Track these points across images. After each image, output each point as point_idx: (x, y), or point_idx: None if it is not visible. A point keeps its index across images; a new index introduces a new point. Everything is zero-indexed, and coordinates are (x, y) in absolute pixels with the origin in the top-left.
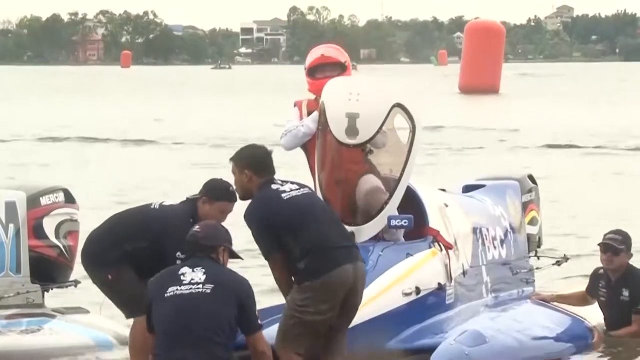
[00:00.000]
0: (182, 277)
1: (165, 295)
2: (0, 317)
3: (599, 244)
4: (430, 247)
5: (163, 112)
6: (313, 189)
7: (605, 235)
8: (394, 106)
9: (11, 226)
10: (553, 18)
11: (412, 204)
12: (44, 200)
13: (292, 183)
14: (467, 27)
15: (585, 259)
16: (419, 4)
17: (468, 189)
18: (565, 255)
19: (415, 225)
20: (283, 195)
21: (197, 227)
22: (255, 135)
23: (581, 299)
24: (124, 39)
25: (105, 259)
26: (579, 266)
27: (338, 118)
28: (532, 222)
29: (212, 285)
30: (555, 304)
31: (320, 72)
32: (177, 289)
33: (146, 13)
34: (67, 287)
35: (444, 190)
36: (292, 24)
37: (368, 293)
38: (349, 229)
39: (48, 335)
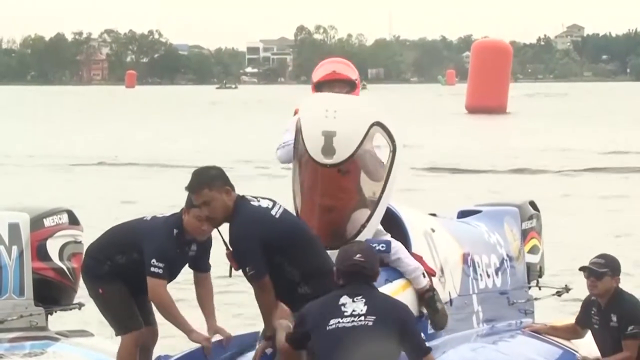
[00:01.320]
0: (342, 308)
1: (327, 327)
2: (3, 340)
3: (580, 268)
4: None
5: (166, 133)
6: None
7: (590, 260)
8: (373, 124)
9: (14, 248)
10: (563, 37)
11: (394, 227)
12: (48, 222)
13: (263, 198)
14: (474, 46)
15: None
16: (427, 23)
17: (463, 214)
18: (566, 285)
19: None
20: (273, 212)
21: (358, 254)
22: (256, 156)
23: (570, 331)
24: (128, 58)
25: (99, 272)
26: (583, 296)
27: (314, 136)
28: (533, 250)
29: (374, 317)
30: (548, 335)
31: (328, 88)
32: (339, 322)
33: (151, 32)
34: (70, 309)
35: (434, 214)
36: (298, 43)
37: None
38: None
39: (51, 359)
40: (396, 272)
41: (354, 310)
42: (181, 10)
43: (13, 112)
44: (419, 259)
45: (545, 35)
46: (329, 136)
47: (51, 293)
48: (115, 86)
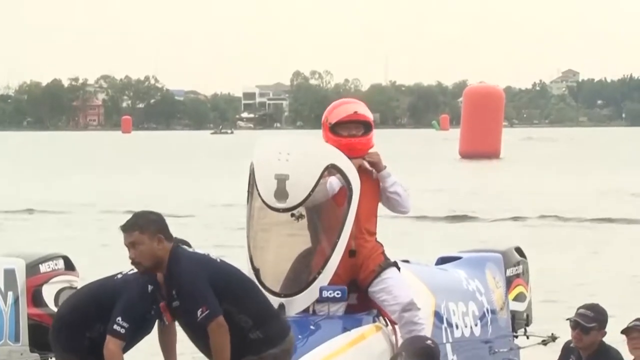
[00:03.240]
0: None
1: None
2: None
3: (567, 319)
4: (373, 321)
5: (158, 181)
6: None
7: (577, 310)
8: (327, 167)
9: (10, 294)
10: (558, 82)
11: None
12: (43, 268)
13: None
14: (466, 92)
15: None
16: (423, 69)
17: (443, 260)
18: (552, 334)
19: (359, 296)
20: (212, 257)
21: (429, 340)
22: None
23: None
24: (124, 104)
25: (78, 347)
26: None
27: (266, 179)
28: (519, 297)
29: None
30: None
31: (345, 129)
32: None
33: (147, 77)
34: None
35: (406, 261)
36: (294, 88)
37: None
38: (279, 300)
39: None
40: (358, 319)
41: None
42: (177, 55)
43: (9, 158)
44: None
45: (540, 81)
46: (281, 180)
47: (47, 339)
48: (112, 131)
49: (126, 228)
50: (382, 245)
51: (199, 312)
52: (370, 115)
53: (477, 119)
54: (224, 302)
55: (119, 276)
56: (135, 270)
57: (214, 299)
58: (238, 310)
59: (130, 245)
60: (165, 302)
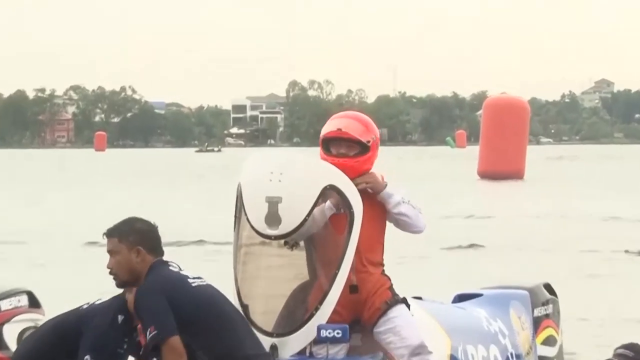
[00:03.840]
0: None
1: None
2: None
3: None
4: None
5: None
6: None
7: (615, 350)
8: (325, 188)
9: None
10: (590, 93)
11: None
12: (5, 305)
13: (191, 275)
14: (486, 104)
15: None
16: (437, 78)
17: (461, 298)
18: None
19: (363, 337)
20: (189, 280)
21: None
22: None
23: None
24: (97, 118)
25: None
26: None
27: (256, 203)
28: (548, 341)
29: None
30: None
31: (335, 147)
32: None
33: (123, 88)
34: None
35: (419, 297)
36: (290, 100)
37: None
38: (271, 340)
39: None
40: None
41: None
42: (157, 63)
43: None
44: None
45: (570, 92)
46: (273, 203)
47: None
48: (83, 149)
49: (108, 233)
50: (389, 278)
51: (147, 333)
52: (361, 134)
53: (499, 134)
54: (182, 332)
55: (85, 306)
56: (102, 300)
57: (167, 317)
58: (197, 345)
59: (109, 252)
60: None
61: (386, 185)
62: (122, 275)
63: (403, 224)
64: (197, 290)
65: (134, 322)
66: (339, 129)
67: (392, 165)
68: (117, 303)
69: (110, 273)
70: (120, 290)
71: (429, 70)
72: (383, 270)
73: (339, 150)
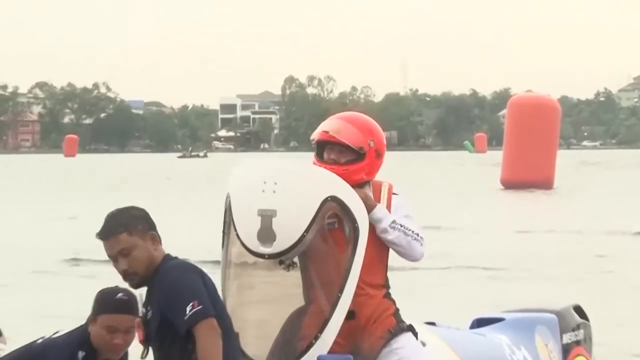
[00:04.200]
0: None
1: None
2: None
3: None
4: None
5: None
6: None
7: None
8: (326, 200)
9: None
10: (629, 91)
11: None
12: None
13: None
14: (511, 103)
15: None
16: (453, 74)
17: (480, 323)
18: None
19: None
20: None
21: None
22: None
23: None
24: (66, 119)
25: None
26: None
27: (247, 216)
28: None
29: None
30: None
31: (328, 151)
32: None
33: (96, 85)
34: None
35: (432, 323)
36: (287, 99)
37: None
38: None
39: None
40: None
41: None
42: (136, 58)
43: None
44: None
45: (605, 89)
46: (266, 217)
47: None
48: (50, 154)
49: (108, 233)
50: (394, 302)
51: (187, 309)
52: (355, 138)
53: (525, 138)
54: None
55: (39, 341)
56: (60, 332)
57: (207, 297)
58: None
59: (120, 253)
60: (142, 318)
61: (375, 206)
62: (143, 271)
63: (396, 251)
64: (215, 289)
65: (97, 359)
66: (325, 132)
67: (401, 172)
68: (77, 337)
69: (126, 274)
70: (82, 322)
71: (444, 64)
72: (387, 294)
73: (329, 156)
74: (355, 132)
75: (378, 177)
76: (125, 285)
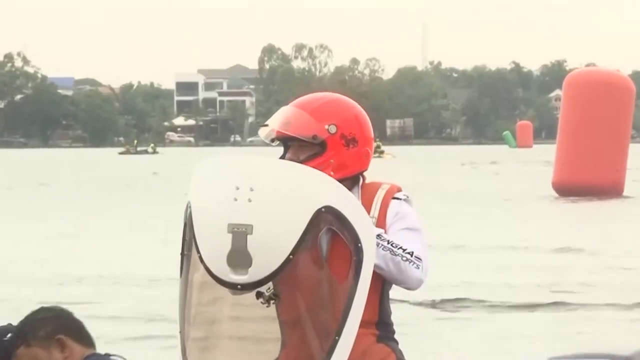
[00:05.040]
0: None
1: None
2: None
3: None
4: None
5: (37, 240)
6: None
7: None
8: (319, 211)
9: None
10: None
11: None
12: None
13: (116, 355)
14: (567, 81)
15: None
16: (487, 44)
17: None
18: None
19: None
20: None
21: None
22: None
23: None
24: None
25: None
26: None
27: (213, 233)
28: None
29: None
30: None
31: (290, 150)
32: None
33: (9, 57)
34: None
35: None
36: (265, 75)
37: None
38: None
39: None
40: None
41: None
42: (63, 23)
43: None
44: None
45: None
46: (239, 233)
47: None
48: None
49: (9, 351)
50: (396, 342)
51: None
52: (306, 126)
53: (585, 128)
54: None
55: None
56: None
57: None
58: None
59: None
60: None
61: None
62: None
63: (383, 275)
64: None
65: None
66: (266, 125)
67: (417, 172)
68: None
69: None
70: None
71: (475, 31)
72: (388, 335)
73: (290, 155)
74: (307, 117)
75: (384, 178)
76: None
